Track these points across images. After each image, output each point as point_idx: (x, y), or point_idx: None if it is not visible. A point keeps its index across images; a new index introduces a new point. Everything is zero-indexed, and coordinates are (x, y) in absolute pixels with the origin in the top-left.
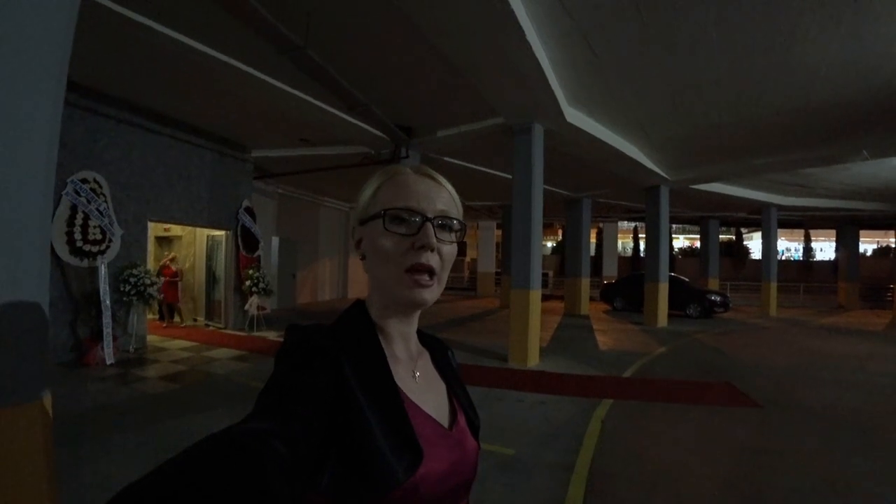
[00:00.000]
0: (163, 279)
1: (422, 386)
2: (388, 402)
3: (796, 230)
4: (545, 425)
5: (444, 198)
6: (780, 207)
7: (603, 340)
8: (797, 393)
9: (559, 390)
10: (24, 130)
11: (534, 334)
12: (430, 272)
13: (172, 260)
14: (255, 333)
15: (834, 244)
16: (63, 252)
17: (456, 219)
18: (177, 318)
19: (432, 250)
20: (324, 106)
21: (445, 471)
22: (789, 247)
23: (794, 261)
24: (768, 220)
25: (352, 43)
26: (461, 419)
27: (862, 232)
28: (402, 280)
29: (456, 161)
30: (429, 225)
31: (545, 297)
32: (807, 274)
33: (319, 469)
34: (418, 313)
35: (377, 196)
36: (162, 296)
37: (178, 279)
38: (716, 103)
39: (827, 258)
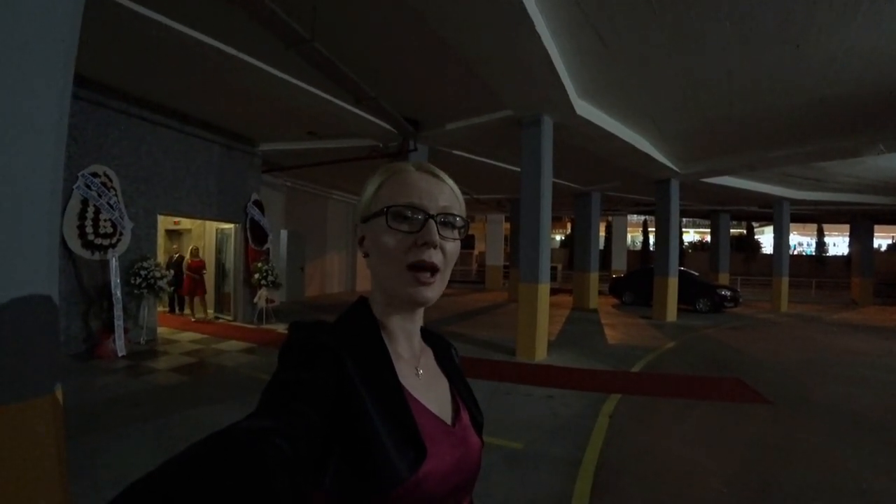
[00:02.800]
0: (168, 271)
1: (425, 383)
2: (392, 399)
3: (809, 224)
4: (553, 419)
5: (446, 194)
6: (793, 201)
7: (611, 335)
8: (808, 389)
9: (567, 384)
10: (30, 125)
11: (542, 328)
12: (433, 269)
13: (196, 253)
14: (264, 326)
15: (847, 239)
16: (75, 245)
17: (459, 215)
18: (187, 311)
19: (435, 247)
20: (331, 99)
21: (449, 468)
22: (801, 241)
23: (807, 255)
24: (780, 214)
25: (359, 36)
26: (464, 416)
27: (876, 227)
28: (404, 278)
29: (464, 154)
30: (431, 222)
31: (553, 291)
32: (819, 269)
33: (322, 467)
34: (422, 310)
35: (379, 193)
36: (172, 289)
37: (205, 271)
38: (728, 95)
39: (840, 253)
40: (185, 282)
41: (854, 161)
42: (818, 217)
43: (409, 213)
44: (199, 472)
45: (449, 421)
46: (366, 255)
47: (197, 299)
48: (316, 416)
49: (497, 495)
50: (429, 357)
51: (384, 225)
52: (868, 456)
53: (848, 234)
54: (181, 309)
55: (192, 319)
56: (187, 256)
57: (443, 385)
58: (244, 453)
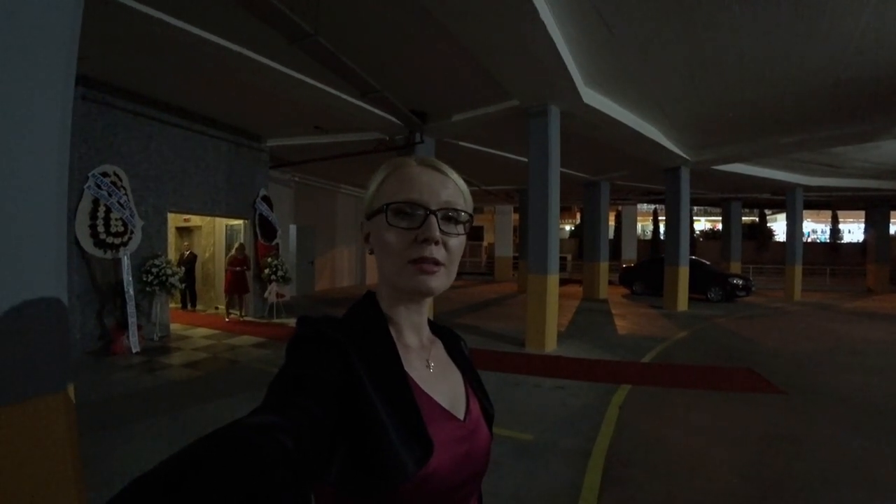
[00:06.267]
0: (179, 268)
1: (436, 375)
2: (398, 394)
3: (823, 211)
4: (563, 411)
5: (449, 189)
6: (806, 188)
7: (622, 325)
8: (822, 379)
9: (577, 376)
10: (33, 126)
11: (551, 319)
12: (435, 264)
13: (240, 248)
14: (275, 320)
15: (863, 225)
16: (87, 245)
17: (463, 210)
18: (234, 312)
19: (437, 243)
20: (337, 93)
21: (457, 462)
22: (815, 228)
23: (821, 243)
24: (793, 202)
25: (363, 28)
26: (475, 408)
27: (893, 212)
28: (406, 272)
29: (471, 145)
30: (432, 218)
31: (563, 282)
32: (834, 256)
33: (328, 461)
34: (428, 303)
35: (381, 190)
36: (184, 285)
37: (248, 269)
38: (738, 80)
39: (855, 240)
40: (226, 278)
41: (869, 146)
42: (832, 203)
43: (409, 210)
44: (201, 469)
45: (461, 413)
46: (371, 252)
47: (236, 297)
48: (320, 411)
49: (507, 487)
50: (439, 349)
51: (384, 222)
52: (884, 447)
53: (863, 220)
54: (193, 305)
55: (240, 318)
56: (233, 252)
57: (455, 376)
58: (246, 450)
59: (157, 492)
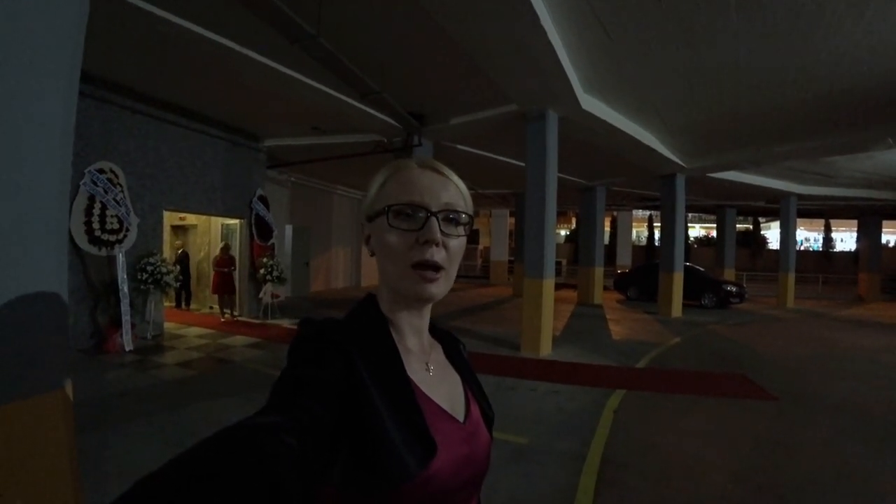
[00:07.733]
0: (174, 267)
1: (435, 378)
2: (401, 395)
3: (816, 220)
4: (558, 415)
5: (450, 191)
6: (800, 196)
7: (616, 330)
8: (814, 385)
9: (572, 380)
10: (38, 125)
11: (546, 324)
12: (436, 267)
13: (224, 248)
14: (270, 321)
15: (855, 234)
16: (82, 241)
17: (463, 212)
18: (227, 312)
19: (437, 245)
20: (336, 94)
21: (458, 464)
22: (808, 237)
23: (814, 251)
24: (787, 210)
25: (364, 30)
26: (475, 411)
27: (885, 222)
28: (408, 276)
29: (469, 149)
30: (433, 219)
31: (558, 286)
32: (826, 265)
33: (331, 462)
34: (429, 307)
35: (382, 192)
36: (179, 284)
37: (234, 269)
38: (735, 89)
39: (847, 249)
40: (214, 279)
41: (863, 156)
42: (825, 212)
43: (410, 212)
44: (207, 468)
45: (460, 416)
46: (372, 254)
47: (226, 297)
48: (324, 412)
49: (502, 490)
50: (438, 352)
51: (386, 224)
52: (874, 452)
53: (856, 229)
54: (188, 304)
55: (238, 317)
56: (217, 253)
57: (454, 380)
58: (252, 449)
59: (163, 492)
